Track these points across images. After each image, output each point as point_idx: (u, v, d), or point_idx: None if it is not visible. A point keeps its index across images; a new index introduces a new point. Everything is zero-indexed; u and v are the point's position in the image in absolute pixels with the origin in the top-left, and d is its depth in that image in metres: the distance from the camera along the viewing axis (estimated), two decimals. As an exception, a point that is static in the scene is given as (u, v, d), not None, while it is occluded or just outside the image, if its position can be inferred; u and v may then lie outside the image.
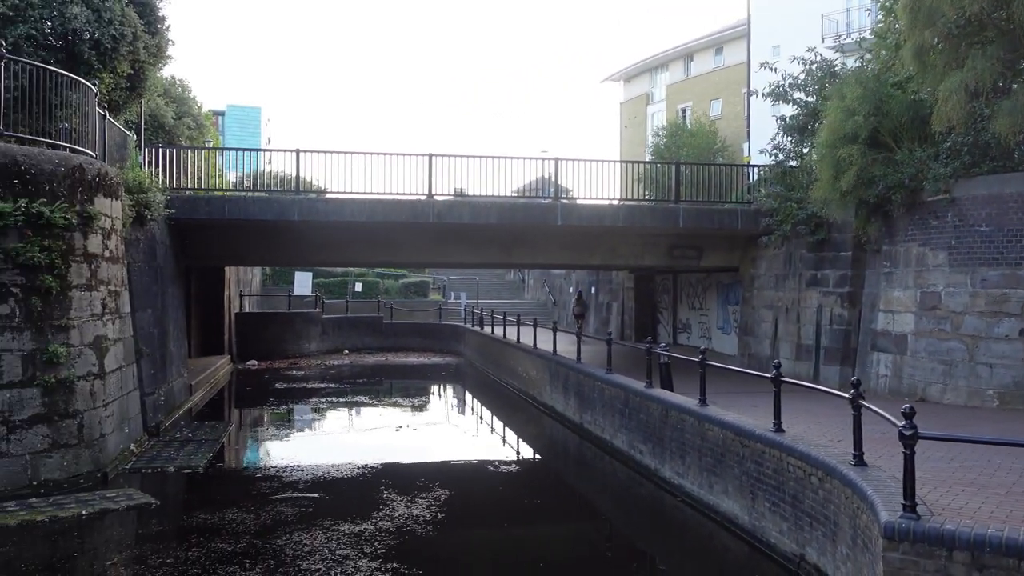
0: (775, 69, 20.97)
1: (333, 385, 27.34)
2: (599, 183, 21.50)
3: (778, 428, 10.41)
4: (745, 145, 40.72)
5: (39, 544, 10.04)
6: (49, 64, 15.32)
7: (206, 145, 37.17)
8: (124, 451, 13.96)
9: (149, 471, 13.67)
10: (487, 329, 32.20)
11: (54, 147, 13.42)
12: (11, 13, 23.25)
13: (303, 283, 42.13)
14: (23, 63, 13.70)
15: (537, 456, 18.18)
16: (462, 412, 24.52)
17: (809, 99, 20.90)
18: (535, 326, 24.80)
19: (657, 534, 12.21)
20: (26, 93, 13.15)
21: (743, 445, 10.90)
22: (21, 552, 9.70)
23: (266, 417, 22.03)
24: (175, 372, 19.26)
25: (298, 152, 21.17)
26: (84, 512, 10.97)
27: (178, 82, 39.95)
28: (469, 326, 36.77)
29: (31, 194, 11.97)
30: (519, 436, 20.14)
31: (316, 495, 12.75)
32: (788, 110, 21.61)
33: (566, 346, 21.82)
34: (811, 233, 18.88)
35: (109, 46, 24.99)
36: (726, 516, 11.28)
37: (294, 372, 30.53)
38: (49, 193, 12.21)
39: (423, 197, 20.57)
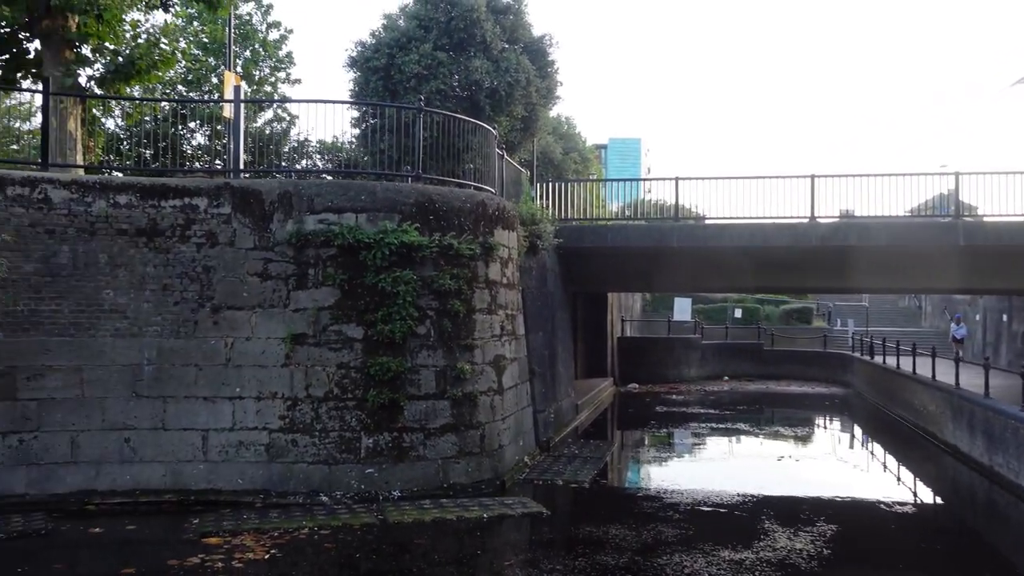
0: None
1: (713, 411, 27.17)
2: (1014, 198, 19.11)
3: None
4: None
5: (448, 539, 11.21)
6: (455, 113, 17.20)
7: (590, 177, 39.28)
8: (519, 462, 15.12)
9: (540, 483, 14.64)
10: (878, 358, 29.95)
11: (460, 186, 15.10)
12: (425, 72, 26.59)
13: (683, 309, 42.52)
14: (437, 113, 15.62)
15: (937, 499, 16.49)
16: (849, 446, 23.02)
17: None
18: (933, 356, 22.62)
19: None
20: (437, 140, 14.96)
21: None
22: (435, 544, 10.91)
23: (647, 439, 22.50)
24: (563, 392, 20.46)
25: (677, 180, 21.56)
26: (485, 515, 12.05)
27: (565, 120, 42.76)
28: (858, 355, 34.48)
29: (443, 228, 13.54)
30: (914, 475, 18.41)
31: (696, 518, 12.75)
32: None
33: (971, 378, 19.58)
34: None
35: (504, 93, 27.54)
36: None
37: (674, 396, 30.85)
38: (457, 227, 13.72)
39: (805, 220, 19.82)
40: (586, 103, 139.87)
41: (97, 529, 11.30)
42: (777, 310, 48.84)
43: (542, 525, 12.13)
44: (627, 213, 27.83)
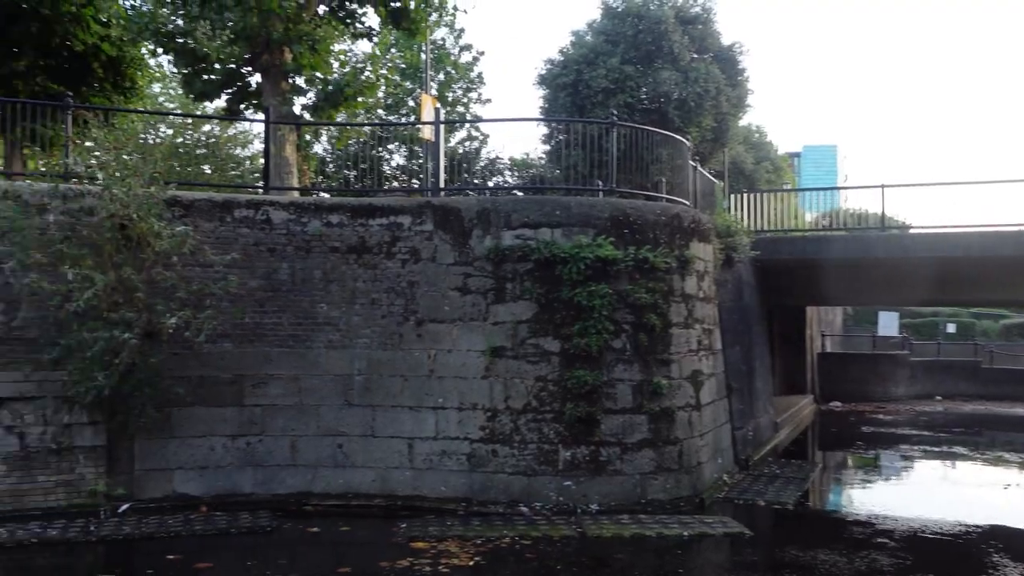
0: None
1: (925, 433, 25.37)
2: None
3: None
4: None
5: (648, 556, 11.06)
6: (643, 125, 17.12)
7: (784, 187, 37.93)
8: (717, 481, 14.73)
9: (740, 502, 14.19)
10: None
11: (651, 199, 14.97)
12: (613, 86, 26.65)
13: (888, 323, 40.06)
14: (628, 127, 15.60)
15: None
16: (1089, 474, 20.85)
17: None
18: None
19: None
20: (626, 153, 14.93)
21: None
22: (634, 560, 10.79)
23: (852, 461, 21.32)
24: (761, 409, 19.78)
25: (883, 187, 20.42)
26: (685, 533, 11.80)
27: (756, 129, 41.61)
28: (1093, 373, 31.20)
29: (638, 242, 13.45)
30: None
31: (913, 547, 11.92)
32: None
33: None
34: None
35: (693, 104, 27.15)
36: None
37: (880, 416, 29.07)
38: (652, 240, 13.59)
39: (1034, 226, 18.22)
40: (778, 110, 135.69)
41: (314, 529, 12.00)
42: (996, 325, 45.12)
43: (744, 546, 11.73)
44: (823, 223, 26.63)
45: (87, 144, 14.74)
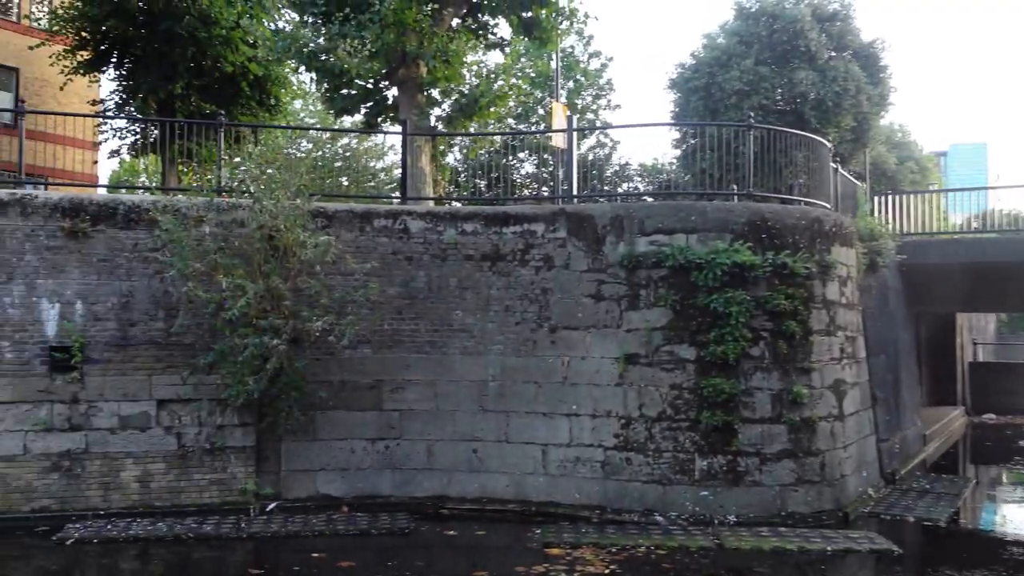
0: None
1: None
2: None
3: None
4: None
5: (789, 570, 10.72)
6: (779, 127, 16.66)
7: (930, 188, 36.08)
8: (862, 494, 14.11)
9: (887, 517, 13.54)
10: None
11: (786, 202, 14.53)
12: (746, 88, 26.06)
13: (1046, 331, 37.50)
14: (765, 128, 15.20)
15: None
16: None
17: None
18: None
19: None
20: (759, 156, 14.54)
21: None
22: (775, 574, 10.48)
23: (1008, 477, 20.02)
24: (908, 420, 18.85)
25: (1043, 184, 19.08)
26: (829, 548, 11.36)
27: (898, 128, 39.80)
28: None
29: (776, 247, 13.07)
30: None
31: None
32: None
33: None
34: None
35: (831, 103, 26.26)
36: None
37: (1039, 430, 27.19)
38: (791, 245, 13.18)
39: None
40: (923, 108, 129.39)
41: (451, 532, 12.24)
42: None
43: (893, 564, 11.20)
44: (974, 225, 25.19)
45: (235, 159, 15.57)
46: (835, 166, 16.86)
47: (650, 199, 19.16)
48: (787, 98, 26.56)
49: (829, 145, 16.76)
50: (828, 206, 15.22)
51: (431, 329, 13.64)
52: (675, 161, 28.63)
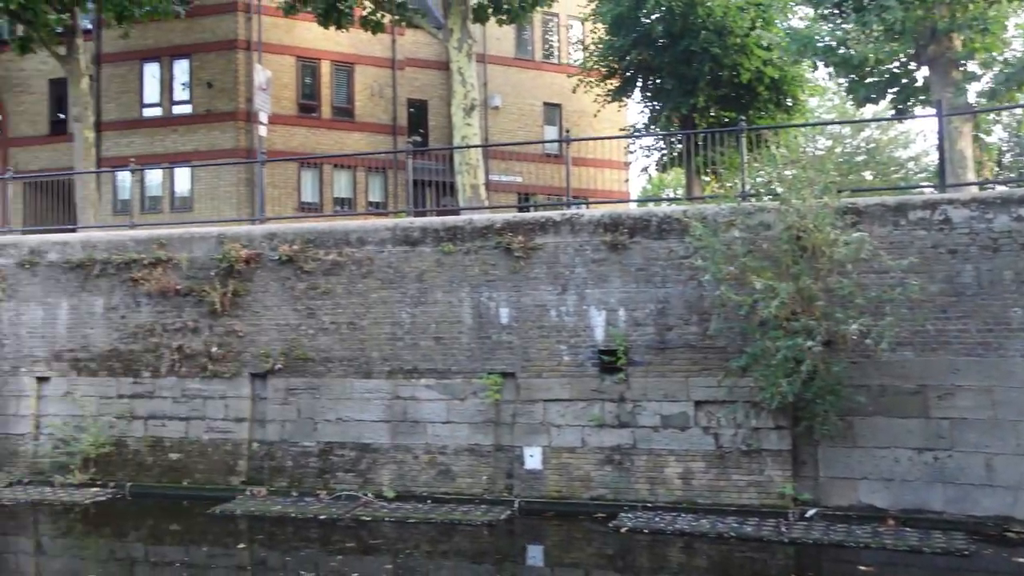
0: None
1: None
2: None
3: None
4: None
5: None
6: None
7: None
8: None
9: None
10: None
11: None
12: None
13: None
14: None
15: None
16: None
17: None
18: None
19: None
20: None
21: None
22: None
23: None
24: None
25: None
26: None
27: None
28: None
29: None
30: None
31: None
32: None
33: None
34: None
35: None
36: None
37: None
38: None
39: None
40: None
41: (1020, 559, 10.74)
42: None
43: None
44: None
45: (756, 164, 15.65)
46: None
47: None
48: None
49: None
50: None
51: (983, 329, 12.17)
52: None
